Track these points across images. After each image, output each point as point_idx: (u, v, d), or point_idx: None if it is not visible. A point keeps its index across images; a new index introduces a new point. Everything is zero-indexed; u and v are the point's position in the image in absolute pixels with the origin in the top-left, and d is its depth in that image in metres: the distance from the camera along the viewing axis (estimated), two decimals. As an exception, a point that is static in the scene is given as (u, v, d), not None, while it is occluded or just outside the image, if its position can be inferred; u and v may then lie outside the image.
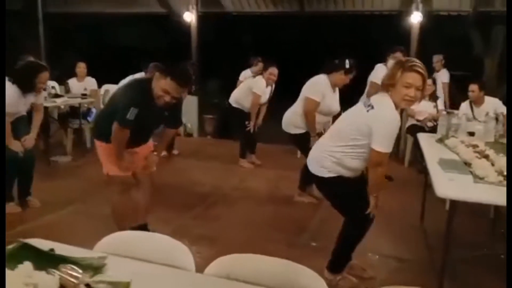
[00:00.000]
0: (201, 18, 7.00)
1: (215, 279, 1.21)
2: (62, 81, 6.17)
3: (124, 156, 2.79)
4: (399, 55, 4.56)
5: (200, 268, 1.29)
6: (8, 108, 3.37)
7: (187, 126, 7.19)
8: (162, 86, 2.57)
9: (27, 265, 1.07)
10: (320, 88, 3.78)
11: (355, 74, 3.80)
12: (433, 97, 5.39)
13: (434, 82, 5.40)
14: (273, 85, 5.21)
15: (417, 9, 5.94)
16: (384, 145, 2.27)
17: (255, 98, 5.09)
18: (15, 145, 3.55)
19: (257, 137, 5.41)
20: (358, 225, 2.52)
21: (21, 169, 3.71)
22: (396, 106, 2.29)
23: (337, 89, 3.91)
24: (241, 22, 7.75)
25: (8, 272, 1.04)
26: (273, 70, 5.04)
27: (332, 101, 3.86)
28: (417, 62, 2.26)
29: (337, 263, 2.62)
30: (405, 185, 4.71)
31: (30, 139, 3.69)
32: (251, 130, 5.17)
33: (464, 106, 4.91)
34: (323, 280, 1.22)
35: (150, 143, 3.09)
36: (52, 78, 6.39)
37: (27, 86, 3.50)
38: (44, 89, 3.76)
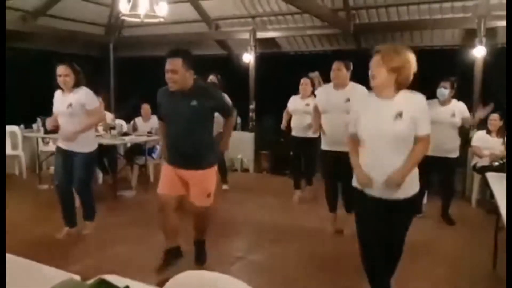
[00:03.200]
0: (259, 58, 7.25)
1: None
2: (129, 119, 6.60)
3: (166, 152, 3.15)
4: (447, 85, 4.48)
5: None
6: (54, 109, 3.89)
7: (243, 161, 7.33)
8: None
9: (106, 302, 1.14)
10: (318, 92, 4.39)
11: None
12: (501, 133, 5.13)
13: (502, 118, 5.14)
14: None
15: (480, 43, 5.76)
16: None
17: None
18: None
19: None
20: None
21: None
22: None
23: (341, 88, 4.02)
24: (297, 61, 7.92)
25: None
26: (304, 80, 5.25)
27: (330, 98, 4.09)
28: (382, 46, 2.32)
29: None
30: (473, 227, 4.45)
31: (68, 133, 3.77)
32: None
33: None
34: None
35: (211, 174, 3.10)
36: (119, 117, 6.90)
37: (58, 83, 3.78)
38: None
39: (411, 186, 2.41)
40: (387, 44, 2.34)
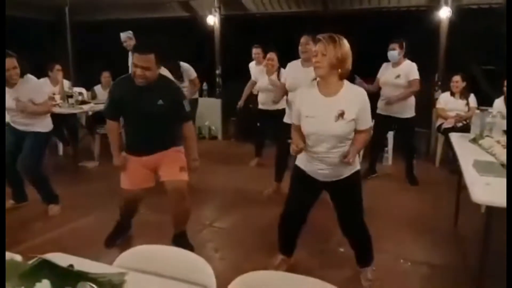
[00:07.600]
0: (224, 20, 6.98)
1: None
2: (89, 87, 6.29)
3: (119, 155, 2.97)
4: (395, 46, 4.47)
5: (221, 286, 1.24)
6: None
7: (211, 129, 7.20)
8: (132, 62, 2.74)
9: (45, 284, 1.05)
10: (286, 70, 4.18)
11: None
12: (464, 94, 5.20)
13: (464, 79, 5.20)
14: (279, 72, 4.91)
15: (446, 3, 5.72)
16: None
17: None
18: None
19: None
20: None
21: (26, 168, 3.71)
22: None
23: (308, 65, 3.80)
24: (264, 23, 7.68)
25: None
26: (271, 55, 5.00)
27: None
28: (323, 35, 2.25)
29: None
30: (437, 186, 4.56)
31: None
32: None
33: (499, 102, 4.69)
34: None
35: (176, 153, 2.96)
36: (79, 85, 6.57)
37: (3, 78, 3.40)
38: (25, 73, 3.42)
39: (348, 167, 2.42)
40: (327, 34, 2.25)
